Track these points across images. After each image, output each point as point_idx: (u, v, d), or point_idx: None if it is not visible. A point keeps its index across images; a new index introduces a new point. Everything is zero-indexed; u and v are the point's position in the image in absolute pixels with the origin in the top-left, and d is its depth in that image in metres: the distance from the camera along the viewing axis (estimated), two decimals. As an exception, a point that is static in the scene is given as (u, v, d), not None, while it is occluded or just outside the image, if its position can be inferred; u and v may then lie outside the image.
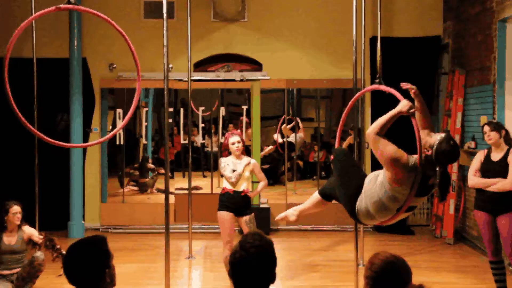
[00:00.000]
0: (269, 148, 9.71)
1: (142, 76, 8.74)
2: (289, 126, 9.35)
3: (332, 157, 4.27)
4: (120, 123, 8.94)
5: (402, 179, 3.59)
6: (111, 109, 9.15)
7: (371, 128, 3.70)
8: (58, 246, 5.30)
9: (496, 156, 5.24)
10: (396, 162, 3.56)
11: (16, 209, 5.45)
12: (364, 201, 3.85)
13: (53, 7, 3.93)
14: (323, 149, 9.87)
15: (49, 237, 5.37)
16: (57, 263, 5.19)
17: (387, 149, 3.61)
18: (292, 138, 9.49)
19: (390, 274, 2.42)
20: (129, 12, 8.89)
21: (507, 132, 5.28)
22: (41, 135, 3.97)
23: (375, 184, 3.77)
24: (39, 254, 5.41)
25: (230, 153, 5.71)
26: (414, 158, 3.61)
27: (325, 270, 6.68)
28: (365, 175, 4.00)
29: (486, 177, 5.23)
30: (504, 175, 5.11)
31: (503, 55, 7.00)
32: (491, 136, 5.22)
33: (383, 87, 4.10)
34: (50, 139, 3.98)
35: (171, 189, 8.15)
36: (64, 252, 5.11)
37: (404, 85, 3.92)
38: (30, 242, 5.56)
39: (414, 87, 3.89)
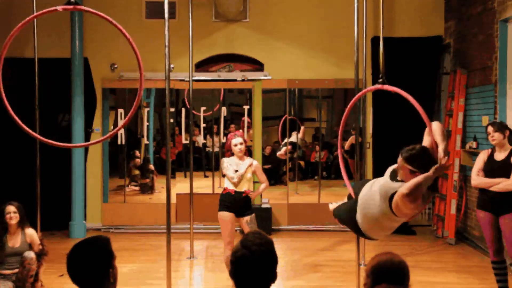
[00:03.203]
0: (287, 148, 9.67)
1: (144, 76, 8.75)
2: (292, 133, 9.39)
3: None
4: (121, 123, 8.96)
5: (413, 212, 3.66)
6: (113, 109, 9.15)
7: (405, 189, 3.41)
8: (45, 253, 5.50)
9: (499, 156, 5.24)
10: (420, 207, 3.61)
11: (8, 208, 5.38)
12: (361, 219, 3.89)
13: (53, 8, 3.94)
14: (324, 149, 9.86)
15: (43, 251, 5.52)
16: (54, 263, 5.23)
17: (418, 203, 3.48)
18: (293, 138, 9.49)
19: (389, 275, 2.42)
20: (131, 12, 8.89)
21: (511, 132, 5.27)
22: (42, 137, 3.97)
23: (369, 203, 3.80)
24: (27, 253, 5.39)
25: (232, 154, 5.71)
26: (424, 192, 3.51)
27: (326, 270, 6.68)
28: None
29: (489, 177, 5.22)
30: (507, 175, 5.11)
31: (504, 55, 7.00)
32: (495, 136, 5.22)
33: (387, 87, 4.07)
34: (48, 140, 3.98)
35: (172, 189, 8.13)
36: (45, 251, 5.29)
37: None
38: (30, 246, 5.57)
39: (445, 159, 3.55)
